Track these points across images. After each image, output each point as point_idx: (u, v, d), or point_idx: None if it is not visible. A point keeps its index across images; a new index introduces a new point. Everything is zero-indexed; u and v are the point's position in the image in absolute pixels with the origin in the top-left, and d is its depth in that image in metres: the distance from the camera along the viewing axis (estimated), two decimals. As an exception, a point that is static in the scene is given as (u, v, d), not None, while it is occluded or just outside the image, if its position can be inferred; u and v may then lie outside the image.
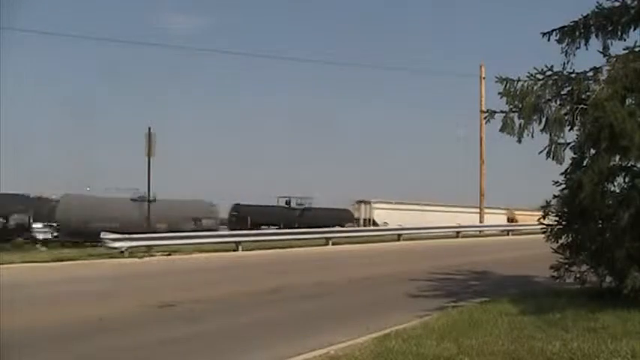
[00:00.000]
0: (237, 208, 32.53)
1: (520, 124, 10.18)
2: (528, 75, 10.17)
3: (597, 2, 10.28)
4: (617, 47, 10.16)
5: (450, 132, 73.97)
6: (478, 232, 33.90)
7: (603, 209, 9.69)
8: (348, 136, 68.20)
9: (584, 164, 9.75)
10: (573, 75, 10.13)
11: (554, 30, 10.66)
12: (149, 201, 25.07)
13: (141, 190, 26.61)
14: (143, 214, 24.63)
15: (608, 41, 10.31)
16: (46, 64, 61.82)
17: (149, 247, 20.67)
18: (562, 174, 10.17)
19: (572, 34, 10.53)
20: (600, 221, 10.01)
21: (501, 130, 10.27)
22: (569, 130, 10.12)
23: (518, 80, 10.21)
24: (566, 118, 10.09)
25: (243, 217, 30.97)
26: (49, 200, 27.62)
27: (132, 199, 27.97)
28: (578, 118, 9.97)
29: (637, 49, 9.63)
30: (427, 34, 75.35)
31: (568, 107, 10.12)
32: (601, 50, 10.23)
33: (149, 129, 23.09)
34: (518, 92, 10.16)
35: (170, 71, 65.43)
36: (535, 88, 10.12)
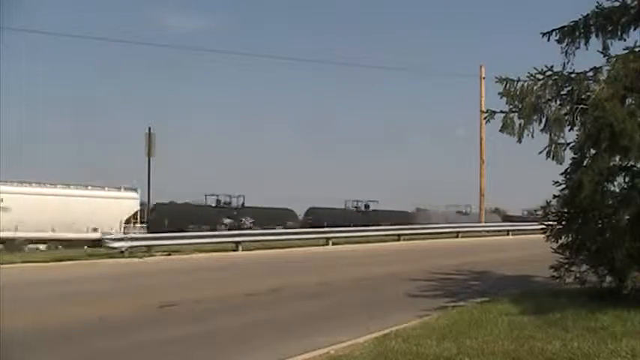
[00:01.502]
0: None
1: (520, 124, 10.18)
2: (528, 75, 10.17)
3: (597, 2, 10.27)
4: (617, 47, 10.18)
5: (450, 132, 73.85)
6: (478, 232, 33.86)
7: (603, 209, 9.69)
8: (348, 136, 68.23)
9: (584, 164, 9.74)
10: (573, 75, 10.12)
11: (554, 30, 10.65)
12: (466, 213, 39.93)
13: (461, 205, 40.84)
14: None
15: (608, 41, 10.29)
16: (46, 64, 61.79)
17: (149, 247, 20.68)
18: (562, 174, 10.18)
19: (572, 34, 10.52)
20: (600, 221, 10.00)
21: (501, 130, 10.28)
22: (569, 130, 10.13)
23: (518, 80, 10.21)
24: (566, 118, 10.09)
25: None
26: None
27: (457, 212, 40.34)
28: (578, 118, 9.97)
29: (637, 49, 9.63)
30: (428, 33, 75.29)
31: (568, 107, 10.12)
32: (601, 50, 10.23)
33: (149, 129, 23.17)
34: (518, 92, 10.15)
35: (170, 71, 65.46)
36: (535, 88, 10.11)
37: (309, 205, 38.24)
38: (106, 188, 28.84)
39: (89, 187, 28.48)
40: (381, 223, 32.70)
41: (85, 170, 50.77)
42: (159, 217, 29.43)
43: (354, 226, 30.19)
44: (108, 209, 27.25)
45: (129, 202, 28.94)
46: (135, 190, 29.32)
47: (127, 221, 28.11)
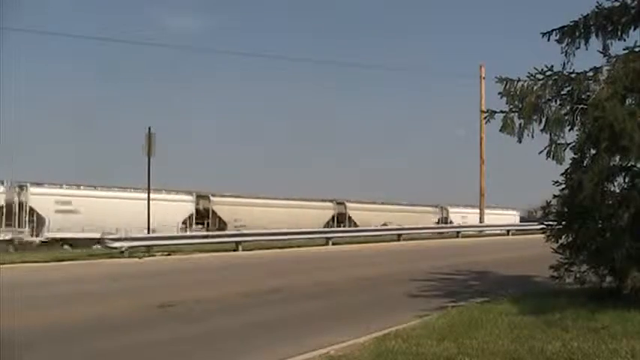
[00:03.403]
0: None
1: (520, 124, 10.18)
2: (528, 75, 10.17)
3: (597, 2, 10.28)
4: (617, 47, 10.18)
5: (449, 132, 73.83)
6: (478, 232, 33.89)
7: (603, 209, 9.68)
8: (347, 136, 68.24)
9: (584, 164, 9.74)
10: (573, 75, 10.12)
11: (554, 30, 10.65)
12: None
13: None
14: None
15: (608, 41, 10.29)
16: (46, 64, 61.78)
17: (149, 247, 20.67)
18: (562, 174, 10.17)
19: (572, 34, 10.51)
20: (600, 221, 9.99)
21: (501, 130, 10.28)
22: (569, 130, 10.13)
23: (518, 80, 10.20)
24: (566, 118, 10.09)
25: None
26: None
27: None
28: (578, 118, 9.97)
29: (637, 49, 9.63)
30: (427, 34, 75.26)
31: (568, 107, 10.12)
32: (601, 50, 10.22)
33: (149, 129, 23.06)
34: (518, 92, 10.15)
35: (170, 71, 65.46)
36: (535, 88, 10.11)
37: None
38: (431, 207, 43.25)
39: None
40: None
41: (84, 170, 50.74)
42: None
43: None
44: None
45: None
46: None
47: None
